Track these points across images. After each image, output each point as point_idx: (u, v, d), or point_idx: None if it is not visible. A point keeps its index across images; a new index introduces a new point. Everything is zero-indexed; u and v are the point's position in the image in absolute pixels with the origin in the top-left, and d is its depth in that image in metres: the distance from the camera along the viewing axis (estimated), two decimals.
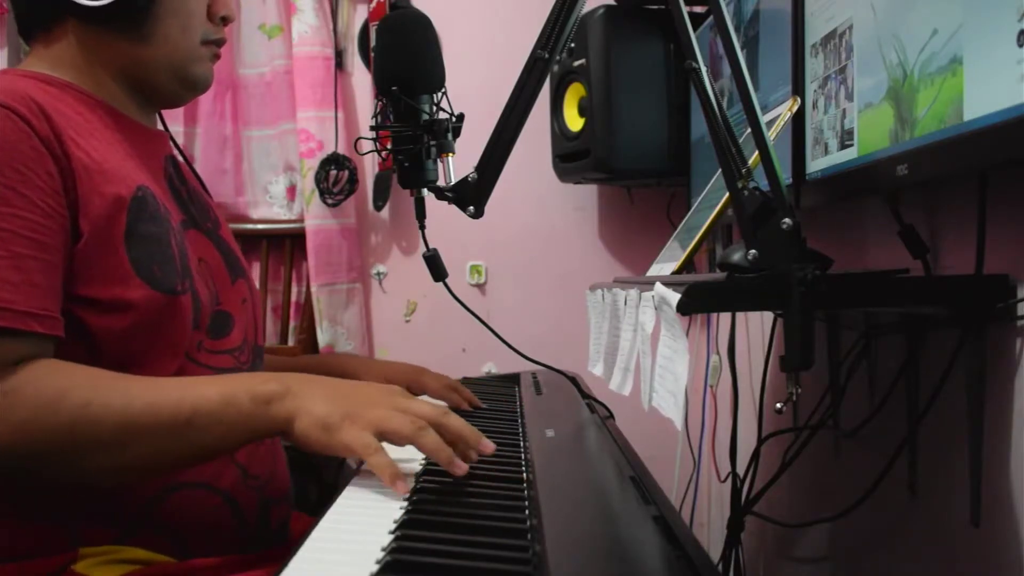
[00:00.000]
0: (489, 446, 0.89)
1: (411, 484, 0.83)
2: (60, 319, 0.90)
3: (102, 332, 0.93)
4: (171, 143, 1.16)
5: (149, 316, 0.95)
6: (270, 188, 2.41)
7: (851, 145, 1.06)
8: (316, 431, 0.86)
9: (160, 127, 1.15)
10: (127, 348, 0.95)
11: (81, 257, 0.92)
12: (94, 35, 1.03)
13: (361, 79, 2.41)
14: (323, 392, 0.89)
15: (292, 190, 2.40)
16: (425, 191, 1.05)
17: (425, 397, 1.28)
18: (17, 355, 0.86)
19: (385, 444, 0.86)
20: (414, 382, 1.31)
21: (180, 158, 1.18)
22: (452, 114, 1.04)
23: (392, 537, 0.70)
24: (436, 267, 1.07)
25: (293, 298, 2.40)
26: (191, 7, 1.06)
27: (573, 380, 1.34)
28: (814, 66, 1.18)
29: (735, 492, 1.52)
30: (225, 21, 1.10)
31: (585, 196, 2.41)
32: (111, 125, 1.03)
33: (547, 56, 1.01)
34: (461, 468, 0.84)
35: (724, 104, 0.95)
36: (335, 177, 2.30)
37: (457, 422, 0.89)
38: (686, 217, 1.30)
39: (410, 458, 0.90)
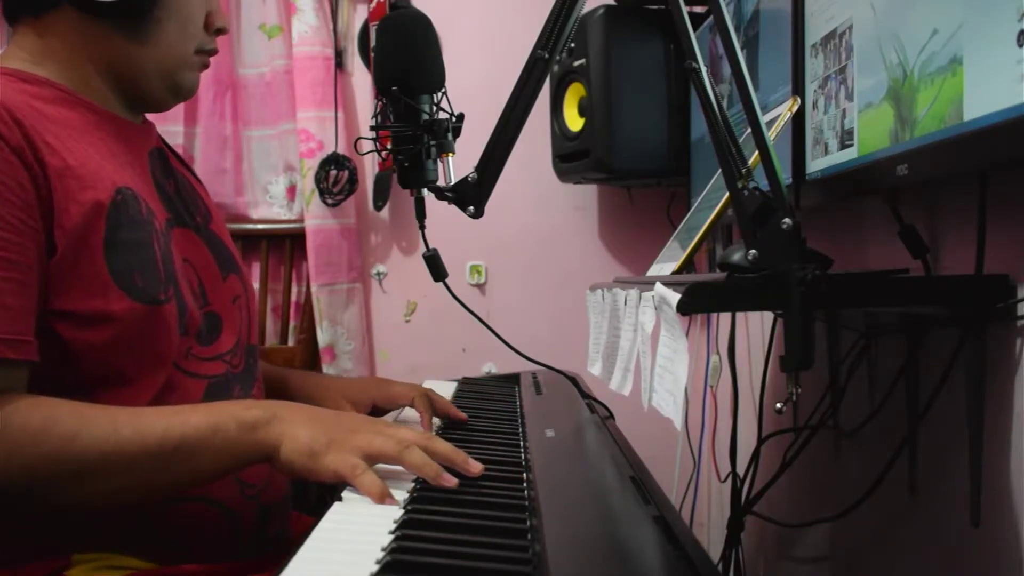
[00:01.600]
0: (476, 467, 0.88)
1: (405, 493, 0.83)
2: (34, 342, 0.88)
3: (82, 347, 0.91)
4: (158, 135, 1.13)
5: (132, 328, 0.93)
6: (270, 188, 2.41)
7: (851, 145, 1.06)
8: (302, 457, 0.86)
9: (144, 120, 1.12)
10: (110, 362, 0.93)
11: (57, 270, 0.89)
12: (90, 28, 1.00)
13: (361, 79, 2.41)
14: (307, 418, 0.90)
15: (292, 190, 2.40)
16: (425, 191, 1.05)
17: (405, 413, 1.23)
18: None
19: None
20: (381, 395, 1.23)
21: (168, 150, 1.15)
22: (452, 114, 1.04)
23: (392, 537, 0.70)
24: (436, 267, 1.07)
25: (293, 298, 2.40)
26: (192, 15, 1.05)
27: (573, 380, 1.34)
28: (814, 66, 1.18)
29: (735, 492, 1.52)
30: (219, 32, 1.09)
31: (585, 196, 2.41)
32: (92, 122, 1.00)
33: (547, 56, 1.01)
34: (450, 481, 0.84)
35: (724, 104, 0.95)
36: (335, 177, 2.30)
37: (443, 445, 0.88)
38: (686, 217, 1.30)
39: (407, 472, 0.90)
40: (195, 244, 1.08)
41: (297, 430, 0.88)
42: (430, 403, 1.17)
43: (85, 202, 0.91)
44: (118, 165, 0.99)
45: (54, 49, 1.01)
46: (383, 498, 0.81)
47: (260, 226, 2.39)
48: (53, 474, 0.85)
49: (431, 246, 1.06)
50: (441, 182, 1.05)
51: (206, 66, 1.10)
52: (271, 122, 2.38)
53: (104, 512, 0.93)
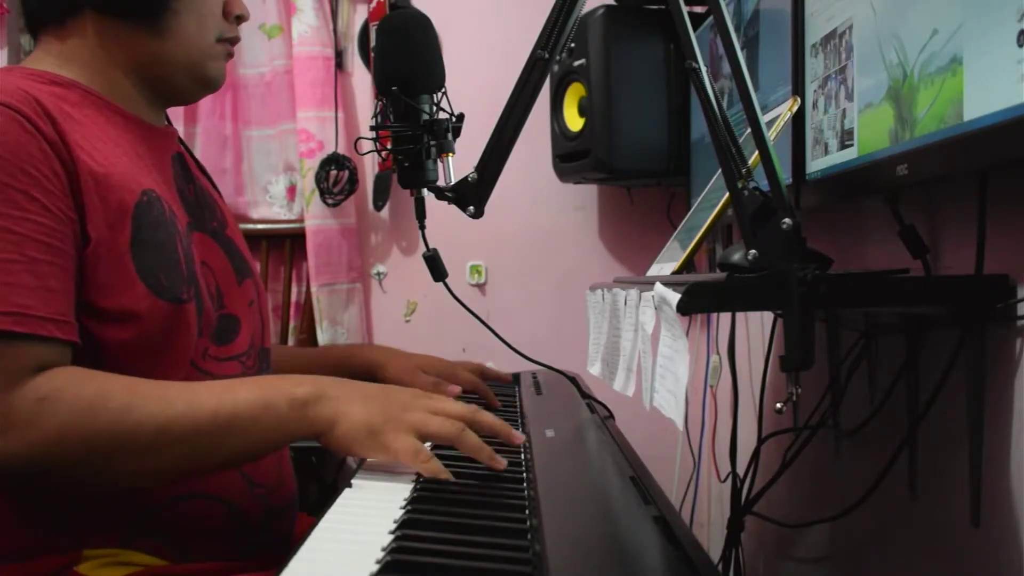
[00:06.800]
0: (519, 437, 0.94)
1: (406, 492, 0.83)
2: (75, 324, 0.89)
3: (110, 344, 0.92)
4: (179, 140, 1.14)
5: (155, 325, 0.94)
6: (270, 188, 2.41)
7: (851, 145, 1.06)
8: (361, 436, 0.88)
9: (167, 123, 1.13)
10: (133, 359, 0.93)
11: (89, 263, 0.91)
12: (111, 29, 1.01)
13: (361, 79, 2.41)
14: (359, 395, 0.91)
15: (292, 190, 2.40)
16: (425, 191, 1.05)
17: None
18: (40, 361, 0.85)
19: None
20: (449, 374, 1.31)
21: (188, 155, 1.16)
22: (452, 114, 1.04)
23: (392, 537, 0.70)
24: (436, 267, 1.07)
25: (293, 298, 2.40)
26: (208, 4, 1.05)
27: (573, 380, 1.34)
28: (814, 66, 1.18)
29: (735, 492, 1.52)
30: (239, 20, 1.10)
31: (585, 196, 2.41)
32: (118, 125, 1.01)
33: (547, 56, 1.01)
34: (501, 463, 0.89)
35: (724, 104, 0.95)
36: (335, 177, 2.30)
37: (488, 418, 0.93)
38: (686, 217, 1.30)
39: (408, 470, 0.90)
40: (213, 248, 1.09)
41: (351, 408, 0.89)
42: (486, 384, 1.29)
43: (112, 201, 0.92)
44: (143, 167, 1.00)
45: (79, 54, 1.02)
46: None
47: (260, 226, 2.39)
48: (110, 447, 0.85)
49: (431, 246, 1.06)
50: (441, 182, 1.05)
51: (231, 55, 1.10)
52: (271, 122, 2.38)
53: (113, 503, 0.93)
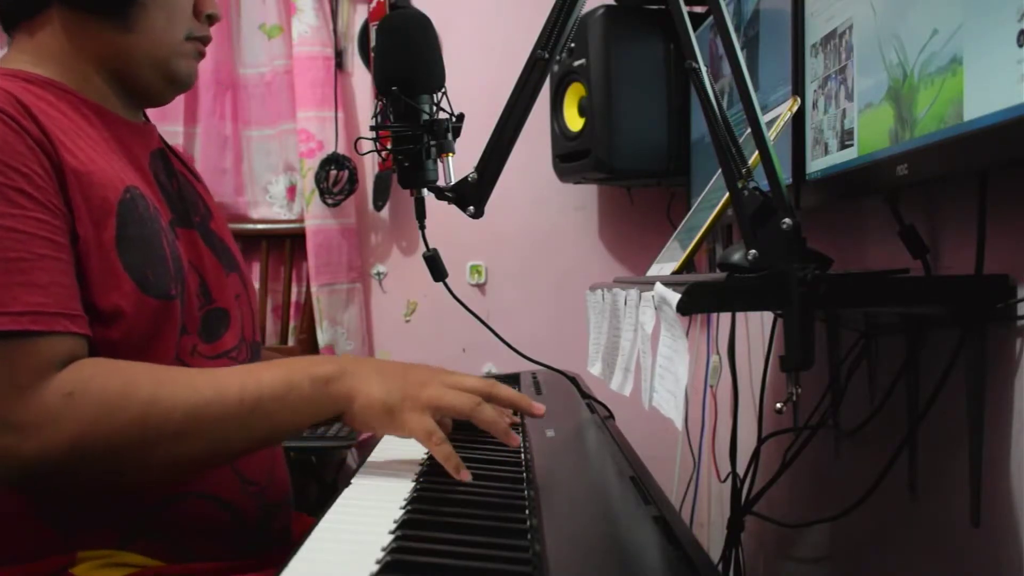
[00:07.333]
0: (539, 408, 0.95)
1: (406, 492, 0.83)
2: (85, 317, 0.89)
3: (98, 343, 0.91)
4: (159, 137, 1.14)
5: (141, 323, 0.94)
6: (270, 188, 2.41)
7: (851, 145, 1.06)
8: (378, 413, 0.90)
9: (144, 121, 1.12)
10: (122, 356, 0.93)
11: (80, 261, 0.90)
12: (77, 23, 1.00)
13: (361, 79, 2.41)
14: (377, 372, 0.92)
15: (292, 190, 2.40)
16: (425, 191, 1.05)
17: None
18: (60, 356, 0.85)
19: (394, 439, 0.91)
20: None
21: (169, 151, 1.15)
22: (452, 114, 1.03)
23: (392, 537, 0.70)
24: (436, 267, 1.06)
25: (293, 298, 2.40)
26: (178, 1, 1.04)
27: (573, 380, 1.34)
28: (814, 66, 1.18)
29: (735, 492, 1.52)
30: (211, 20, 1.09)
31: (585, 196, 2.41)
32: (95, 123, 1.00)
33: (547, 56, 1.01)
34: (515, 440, 0.92)
35: (724, 104, 0.95)
36: (335, 177, 2.30)
37: (506, 391, 0.94)
38: (686, 217, 1.30)
39: (410, 459, 0.90)
40: (197, 243, 1.08)
41: (369, 385, 0.90)
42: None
43: (95, 199, 0.92)
44: (123, 165, 1.00)
45: (51, 49, 1.01)
46: (458, 470, 0.85)
47: (260, 226, 2.39)
48: (139, 437, 0.85)
49: (431, 246, 1.06)
50: (441, 182, 1.05)
51: (202, 55, 1.09)
52: (271, 122, 2.38)
53: (109, 504, 0.93)
